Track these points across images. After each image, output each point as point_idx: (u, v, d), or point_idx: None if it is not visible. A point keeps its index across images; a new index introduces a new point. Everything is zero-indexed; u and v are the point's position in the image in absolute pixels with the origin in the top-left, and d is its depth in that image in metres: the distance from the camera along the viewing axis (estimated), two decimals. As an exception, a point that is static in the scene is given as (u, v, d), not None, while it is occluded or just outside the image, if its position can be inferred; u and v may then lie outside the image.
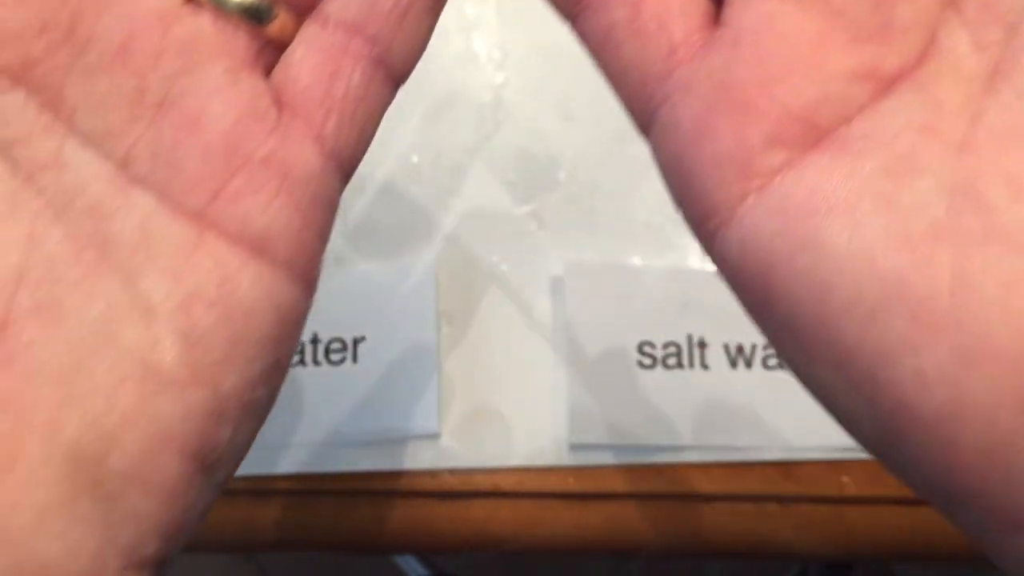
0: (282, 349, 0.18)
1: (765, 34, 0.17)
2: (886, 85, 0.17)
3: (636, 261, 0.35)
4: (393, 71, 0.20)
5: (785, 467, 0.33)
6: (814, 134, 0.16)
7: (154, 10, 0.18)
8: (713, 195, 0.17)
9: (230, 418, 0.18)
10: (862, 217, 0.15)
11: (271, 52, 0.19)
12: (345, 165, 0.19)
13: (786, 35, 0.17)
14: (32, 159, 0.18)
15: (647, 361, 0.34)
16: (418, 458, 0.33)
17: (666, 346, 0.34)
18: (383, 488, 0.33)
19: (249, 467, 0.28)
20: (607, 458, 0.33)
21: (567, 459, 0.32)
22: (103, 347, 0.17)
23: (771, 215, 0.16)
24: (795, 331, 0.16)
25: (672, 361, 0.34)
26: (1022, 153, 0.15)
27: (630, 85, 0.18)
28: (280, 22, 0.19)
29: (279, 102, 0.18)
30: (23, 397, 0.16)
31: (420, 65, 0.41)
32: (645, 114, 0.18)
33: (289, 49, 0.19)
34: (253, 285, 0.18)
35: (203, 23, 0.18)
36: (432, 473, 0.33)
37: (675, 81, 0.17)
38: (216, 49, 0.18)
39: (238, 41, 0.19)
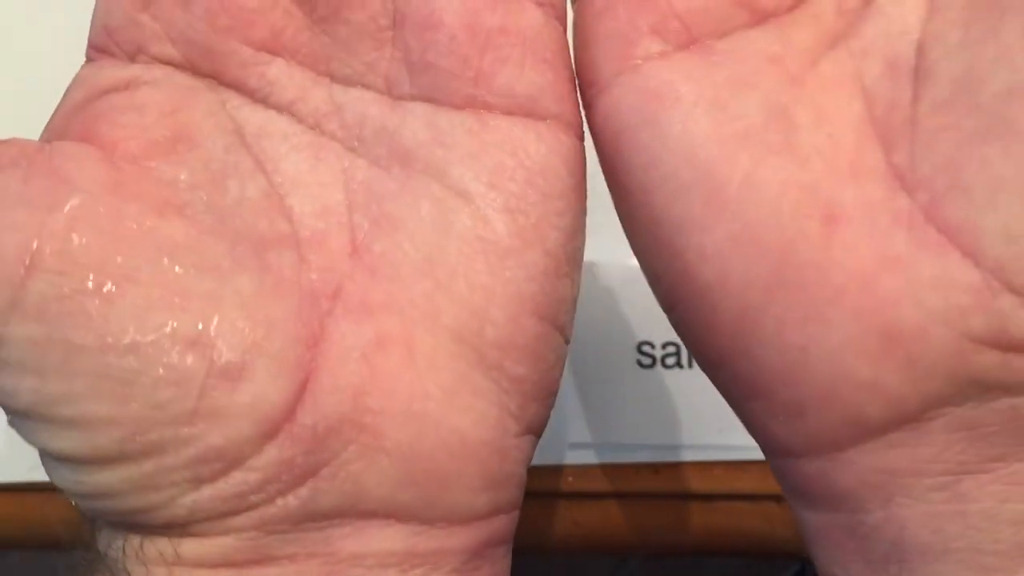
0: (580, 196, 0.20)
1: None
2: (759, 18, 0.19)
3: (636, 261, 0.35)
4: None
5: (784, 467, 0.33)
6: (688, 37, 0.19)
7: None
8: (600, 65, 0.20)
9: (564, 272, 0.20)
10: (696, 113, 0.18)
11: None
12: (559, 12, 0.20)
13: None
14: (313, 111, 0.20)
15: (647, 361, 0.34)
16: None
17: (665, 346, 0.34)
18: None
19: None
20: (607, 457, 0.33)
21: (567, 458, 0.32)
22: (443, 237, 0.19)
23: (632, 92, 0.19)
24: (626, 195, 0.20)
25: (671, 361, 0.34)
26: (834, 95, 0.18)
27: None
28: None
29: None
30: (398, 299, 0.18)
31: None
32: None
33: None
34: (538, 144, 0.19)
35: None
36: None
37: None
38: None
39: None
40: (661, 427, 0.33)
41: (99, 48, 0.20)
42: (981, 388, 0.16)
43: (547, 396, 0.20)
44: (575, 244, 0.20)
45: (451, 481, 0.18)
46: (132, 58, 0.19)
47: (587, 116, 0.20)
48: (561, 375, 0.20)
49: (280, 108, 0.20)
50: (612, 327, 0.34)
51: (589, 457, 0.33)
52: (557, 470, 0.32)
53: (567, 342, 0.20)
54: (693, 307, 0.19)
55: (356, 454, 0.17)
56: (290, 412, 0.17)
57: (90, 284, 0.16)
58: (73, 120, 0.19)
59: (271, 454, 0.17)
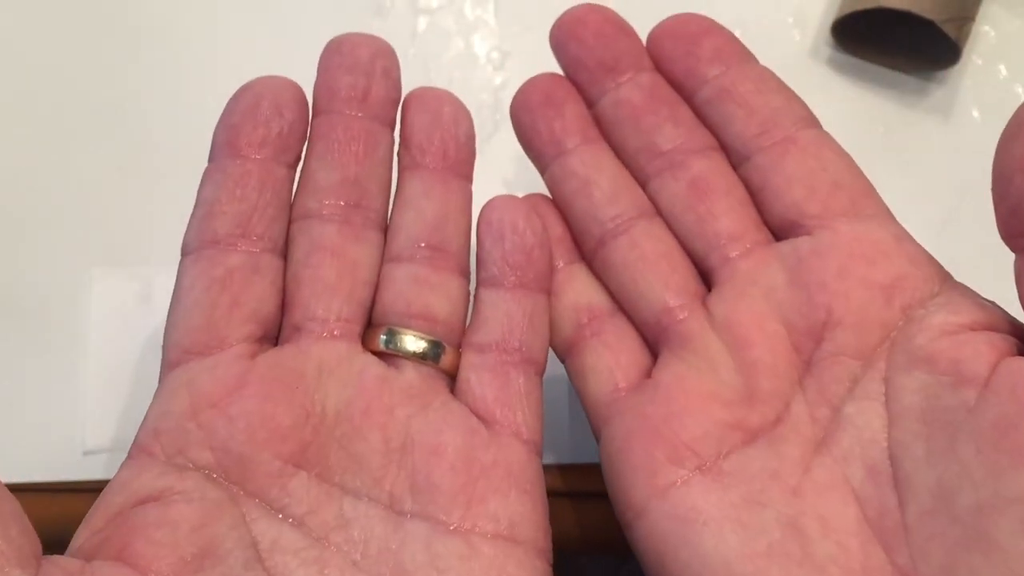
0: None
1: (673, 388, 0.24)
2: (751, 435, 0.23)
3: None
4: (537, 363, 0.25)
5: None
6: (697, 460, 0.23)
7: (374, 375, 0.24)
8: (631, 494, 0.23)
9: None
10: (724, 533, 0.22)
11: (450, 380, 0.25)
12: (537, 446, 0.24)
13: (686, 391, 0.24)
14: (323, 524, 0.22)
15: (646, 361, 0.34)
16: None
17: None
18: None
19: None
20: (606, 458, 0.33)
21: (567, 457, 0.32)
22: None
23: (666, 518, 0.23)
24: None
25: (671, 361, 0.34)
26: (832, 501, 0.22)
27: (589, 403, 0.26)
28: (448, 357, 0.25)
29: (479, 417, 0.24)
30: None
31: (420, 66, 0.41)
32: (597, 426, 0.25)
33: (463, 377, 0.25)
34: (519, 570, 0.22)
35: (409, 374, 0.24)
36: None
37: (615, 407, 0.25)
38: (426, 389, 0.24)
39: (438, 380, 0.24)
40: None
41: (143, 447, 0.22)
42: None
43: None
44: None
45: None
46: (171, 459, 0.22)
47: (627, 534, 0.24)
48: None
49: (294, 520, 0.22)
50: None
51: (590, 456, 0.33)
52: (557, 469, 0.32)
53: None
54: None
55: None
56: None
57: None
58: (113, 531, 0.21)
59: None
